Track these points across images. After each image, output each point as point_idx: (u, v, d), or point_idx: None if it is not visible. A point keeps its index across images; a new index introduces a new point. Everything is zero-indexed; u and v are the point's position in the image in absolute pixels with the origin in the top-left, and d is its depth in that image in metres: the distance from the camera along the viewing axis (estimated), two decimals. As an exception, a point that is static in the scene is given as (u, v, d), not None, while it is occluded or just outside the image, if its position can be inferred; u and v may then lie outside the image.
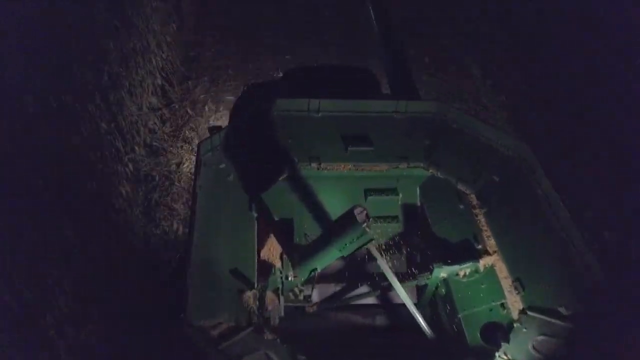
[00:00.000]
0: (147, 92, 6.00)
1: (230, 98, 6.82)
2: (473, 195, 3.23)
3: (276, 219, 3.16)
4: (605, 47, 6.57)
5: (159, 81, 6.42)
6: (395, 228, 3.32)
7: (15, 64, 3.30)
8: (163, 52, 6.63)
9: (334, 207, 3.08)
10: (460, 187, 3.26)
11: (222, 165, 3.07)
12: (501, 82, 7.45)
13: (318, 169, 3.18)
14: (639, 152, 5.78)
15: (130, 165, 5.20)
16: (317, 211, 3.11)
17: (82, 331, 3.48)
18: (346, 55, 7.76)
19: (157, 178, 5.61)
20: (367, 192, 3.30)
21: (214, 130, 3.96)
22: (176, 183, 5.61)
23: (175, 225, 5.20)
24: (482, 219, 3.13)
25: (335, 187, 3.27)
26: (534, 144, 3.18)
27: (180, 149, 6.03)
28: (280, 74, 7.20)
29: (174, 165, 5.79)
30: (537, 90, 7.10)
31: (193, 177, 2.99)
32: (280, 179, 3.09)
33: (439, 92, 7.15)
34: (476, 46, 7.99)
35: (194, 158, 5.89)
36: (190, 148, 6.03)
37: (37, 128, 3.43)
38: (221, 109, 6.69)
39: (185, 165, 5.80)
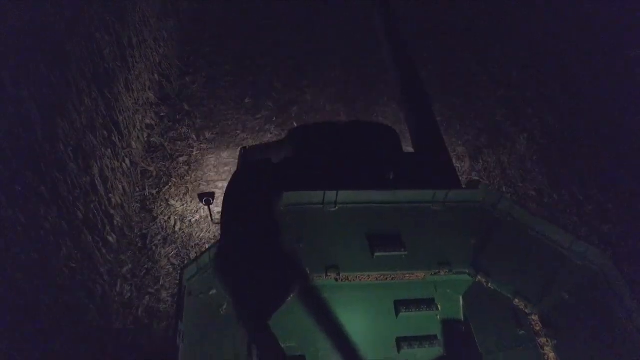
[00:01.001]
0: (144, 87, 5.97)
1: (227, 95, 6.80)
2: (536, 317, 2.51)
3: (284, 350, 2.50)
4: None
5: (156, 76, 6.38)
6: (434, 352, 2.53)
7: (12, 59, 3.27)
8: (160, 47, 6.59)
9: (356, 326, 2.52)
10: (519, 303, 2.56)
11: (213, 292, 2.42)
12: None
13: (336, 280, 2.59)
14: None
15: (127, 161, 5.18)
16: (335, 335, 2.52)
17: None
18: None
19: (154, 173, 5.59)
20: (398, 305, 2.60)
21: (204, 197, 3.13)
22: (173, 179, 5.59)
23: (172, 221, 5.18)
24: (551, 355, 2.39)
25: (357, 300, 2.63)
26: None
27: (176, 144, 6.00)
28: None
29: (170, 161, 5.77)
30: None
31: (175, 311, 2.23)
32: (289, 298, 2.51)
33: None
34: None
35: (191, 154, 5.88)
36: (188, 144, 6.00)
37: (33, 122, 3.40)
38: (219, 105, 6.67)
39: (182, 158, 5.77)
